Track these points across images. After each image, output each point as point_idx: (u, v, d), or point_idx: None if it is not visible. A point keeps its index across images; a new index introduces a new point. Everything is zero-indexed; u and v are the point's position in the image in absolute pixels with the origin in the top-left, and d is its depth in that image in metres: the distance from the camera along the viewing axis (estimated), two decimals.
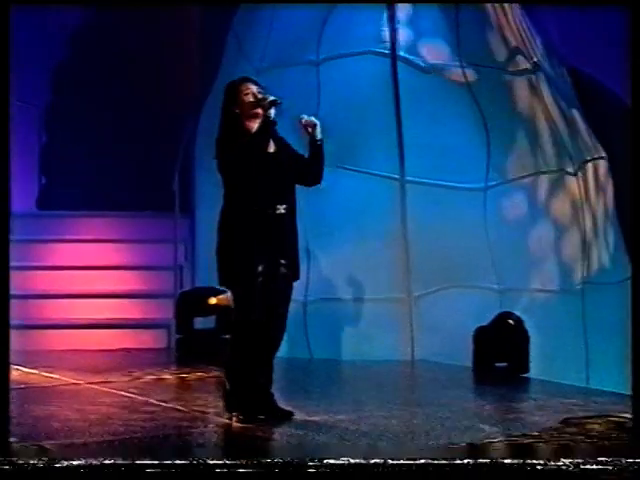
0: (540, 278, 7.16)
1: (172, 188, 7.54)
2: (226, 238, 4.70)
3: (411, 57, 7.22)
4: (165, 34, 8.42)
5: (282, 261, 4.72)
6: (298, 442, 4.40)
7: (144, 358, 6.95)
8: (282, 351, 7.05)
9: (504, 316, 6.66)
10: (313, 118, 4.86)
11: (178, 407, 5.19)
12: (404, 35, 7.24)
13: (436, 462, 3.72)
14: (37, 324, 7.50)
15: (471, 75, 7.23)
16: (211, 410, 5.06)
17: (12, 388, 4.41)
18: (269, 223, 4.64)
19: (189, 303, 7.09)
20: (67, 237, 8.11)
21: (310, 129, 4.85)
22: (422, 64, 7.23)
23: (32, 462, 3.58)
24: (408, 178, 7.08)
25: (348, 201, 7.06)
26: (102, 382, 5.92)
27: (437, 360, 6.79)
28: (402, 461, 3.71)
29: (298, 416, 4.84)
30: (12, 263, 7.84)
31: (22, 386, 5.81)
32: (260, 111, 4.69)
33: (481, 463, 3.71)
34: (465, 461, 3.72)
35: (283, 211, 4.68)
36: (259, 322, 4.65)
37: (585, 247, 7.40)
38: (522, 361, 6.53)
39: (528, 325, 6.61)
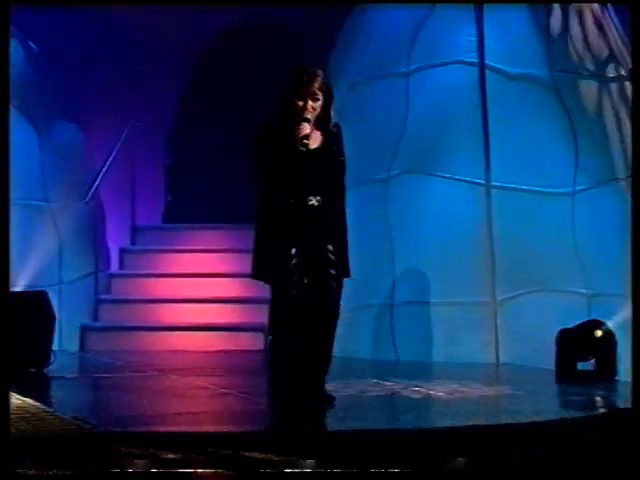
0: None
1: None
2: (259, 229, 4.70)
3: (499, 65, 7.11)
4: (271, 57, 8.62)
5: (320, 254, 4.66)
6: None
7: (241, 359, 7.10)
8: (369, 352, 7.13)
9: (593, 325, 6.37)
10: None
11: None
12: (492, 43, 7.14)
13: None
14: (154, 326, 7.82)
15: (560, 81, 7.04)
16: None
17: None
18: (301, 215, 4.60)
19: None
20: (185, 247, 8.46)
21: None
22: (510, 71, 7.10)
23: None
24: (494, 183, 6.95)
25: (435, 206, 6.99)
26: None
27: (522, 363, 6.59)
28: None
29: None
30: (139, 271, 8.36)
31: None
32: (311, 113, 4.58)
33: None
34: None
35: (316, 203, 4.63)
36: (295, 310, 4.59)
37: None
38: (608, 365, 6.24)
39: (616, 329, 6.33)
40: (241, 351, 7.40)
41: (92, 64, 8.76)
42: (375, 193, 7.14)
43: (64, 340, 7.90)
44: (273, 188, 4.63)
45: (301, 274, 4.62)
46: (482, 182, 6.95)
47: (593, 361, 6.29)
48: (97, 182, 8.14)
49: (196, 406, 4.93)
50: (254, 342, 7.52)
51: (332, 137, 4.74)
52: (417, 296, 6.92)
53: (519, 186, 6.90)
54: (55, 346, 7.65)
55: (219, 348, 7.47)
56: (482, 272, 6.84)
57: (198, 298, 7.94)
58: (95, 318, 8.02)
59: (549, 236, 6.80)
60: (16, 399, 4.66)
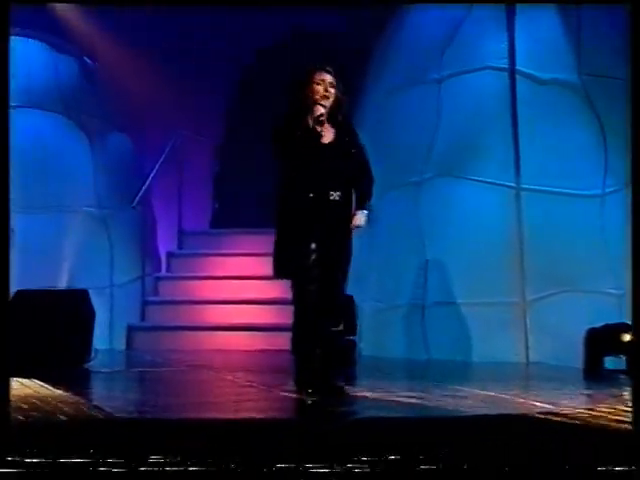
0: None
1: None
2: (280, 223, 4.75)
3: (529, 70, 7.15)
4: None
5: (335, 248, 4.73)
6: None
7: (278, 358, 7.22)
8: (400, 352, 7.20)
9: (621, 328, 6.35)
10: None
11: None
12: (522, 48, 7.19)
13: None
14: (197, 326, 8.03)
15: (589, 84, 7.05)
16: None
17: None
18: (322, 209, 4.65)
19: None
20: (229, 251, 8.66)
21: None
22: (540, 76, 7.14)
23: None
24: (524, 186, 6.99)
25: (466, 209, 7.06)
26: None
27: (551, 362, 6.61)
28: None
29: None
30: (185, 273, 8.58)
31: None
32: (322, 111, 4.64)
33: None
34: None
35: (337, 198, 4.70)
36: (314, 305, 4.66)
37: None
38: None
39: None
40: (279, 351, 7.53)
41: (143, 78, 9.04)
42: (408, 196, 7.24)
43: (114, 339, 8.18)
44: (291, 183, 4.70)
45: (320, 269, 4.68)
46: (512, 185, 7.00)
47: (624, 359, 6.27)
48: (143, 189, 8.38)
49: (211, 396, 5.06)
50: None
51: (344, 132, 4.81)
52: (448, 297, 6.98)
53: (549, 188, 6.93)
54: (105, 345, 7.95)
55: (258, 347, 7.63)
56: (512, 273, 6.87)
57: (239, 299, 8.12)
58: (142, 319, 8.26)
59: (579, 237, 6.81)
60: (37, 388, 4.85)
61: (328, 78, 4.72)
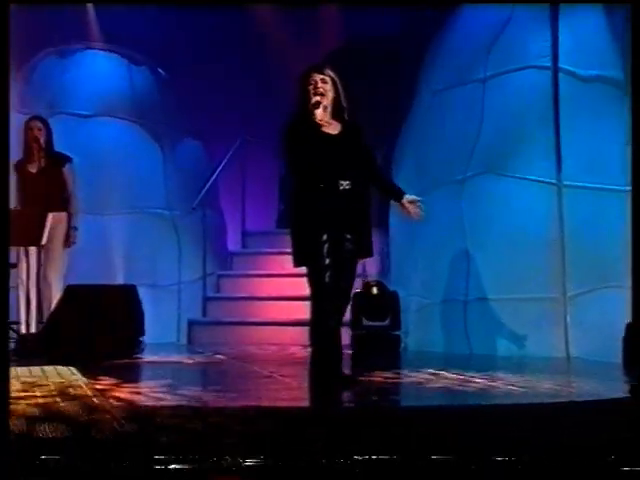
0: None
1: None
2: (294, 215, 4.82)
3: (572, 68, 7.06)
4: (371, 75, 8.85)
5: (347, 236, 4.76)
6: None
7: None
8: (442, 346, 7.19)
9: None
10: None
11: None
12: (566, 46, 7.09)
13: None
14: (254, 322, 8.20)
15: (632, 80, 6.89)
16: None
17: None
18: (333, 199, 4.70)
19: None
20: (288, 250, 8.75)
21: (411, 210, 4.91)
22: (583, 74, 7.03)
23: None
24: (566, 183, 6.89)
25: (508, 205, 7.02)
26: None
27: (591, 358, 6.50)
28: None
29: None
30: (247, 272, 8.76)
31: None
32: (318, 99, 4.75)
33: None
34: None
35: (347, 187, 4.74)
36: (329, 293, 4.70)
37: None
38: None
39: None
40: None
41: (210, 87, 9.28)
42: (451, 194, 7.24)
43: (181, 334, 8.42)
44: (302, 173, 4.76)
45: (333, 258, 4.71)
46: (554, 182, 6.91)
47: None
48: (203, 192, 8.59)
49: (229, 385, 5.19)
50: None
51: (349, 125, 4.89)
52: (490, 292, 6.95)
53: (591, 185, 6.82)
54: (172, 339, 8.20)
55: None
56: (553, 269, 6.79)
57: (298, 296, 8.21)
58: (204, 314, 8.48)
59: (620, 233, 6.67)
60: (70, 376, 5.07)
61: (318, 76, 4.82)
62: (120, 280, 8.02)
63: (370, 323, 7.24)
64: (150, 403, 4.21)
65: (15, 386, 4.51)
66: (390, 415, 4.10)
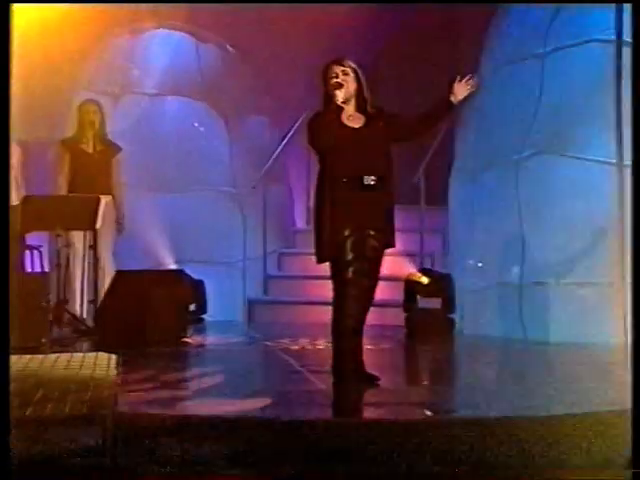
0: None
1: (416, 182, 7.63)
2: (317, 209, 4.73)
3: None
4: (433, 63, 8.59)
5: (371, 232, 4.63)
6: None
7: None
8: (498, 331, 6.94)
9: None
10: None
11: None
12: (629, 17, 6.65)
13: None
14: (313, 301, 8.07)
15: None
16: None
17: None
18: (356, 193, 4.57)
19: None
20: None
21: (469, 88, 4.72)
22: None
23: None
24: (627, 162, 6.50)
25: (565, 187, 6.70)
26: None
27: None
28: None
29: None
30: (309, 250, 8.59)
31: None
32: (339, 80, 4.64)
33: None
34: None
35: (372, 182, 4.61)
36: (352, 289, 4.60)
37: None
38: None
39: None
40: (388, 326, 7.43)
41: (276, 65, 9.13)
42: (506, 175, 6.95)
43: (243, 312, 8.38)
44: (325, 167, 4.66)
45: (356, 254, 4.61)
46: (614, 161, 6.53)
47: None
48: (266, 167, 8.45)
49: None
50: (399, 317, 7.51)
51: (373, 117, 4.73)
52: (545, 276, 6.66)
53: None
54: (236, 317, 8.17)
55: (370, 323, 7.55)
56: (611, 253, 6.44)
57: None
58: (265, 292, 8.41)
59: None
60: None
61: (339, 68, 4.69)
62: (186, 257, 8.02)
63: (424, 305, 7.04)
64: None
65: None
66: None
